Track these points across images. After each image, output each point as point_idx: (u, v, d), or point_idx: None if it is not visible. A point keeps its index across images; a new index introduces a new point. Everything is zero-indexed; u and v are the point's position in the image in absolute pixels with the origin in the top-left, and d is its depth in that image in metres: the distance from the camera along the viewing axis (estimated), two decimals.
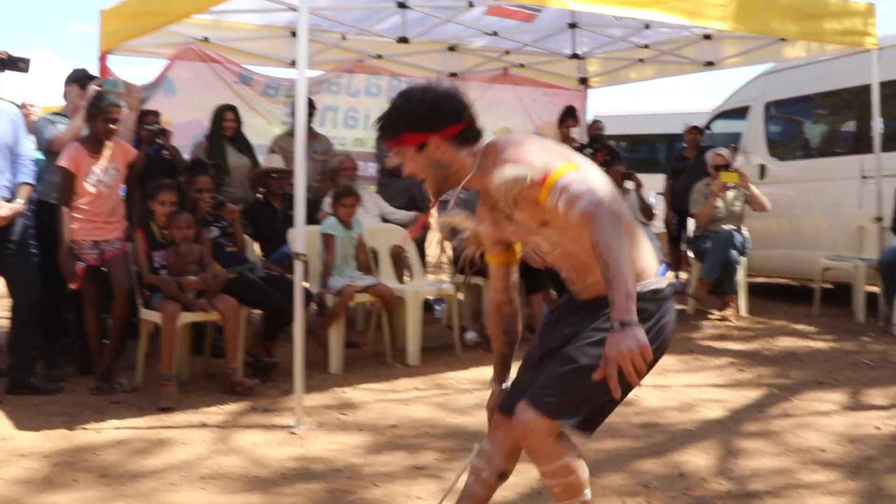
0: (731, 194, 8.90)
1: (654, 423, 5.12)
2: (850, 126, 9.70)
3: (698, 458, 4.46)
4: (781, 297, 10.11)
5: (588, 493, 2.96)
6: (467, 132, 2.88)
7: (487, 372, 6.39)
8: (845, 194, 9.15)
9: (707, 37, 9.38)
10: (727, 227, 8.82)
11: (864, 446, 4.62)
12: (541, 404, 2.79)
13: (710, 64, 9.97)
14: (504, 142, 2.88)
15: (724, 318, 8.58)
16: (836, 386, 5.91)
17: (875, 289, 8.27)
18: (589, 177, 2.73)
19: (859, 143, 8.98)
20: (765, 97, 10.53)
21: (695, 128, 10.87)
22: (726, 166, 8.89)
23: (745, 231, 8.92)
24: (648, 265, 2.88)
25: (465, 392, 5.94)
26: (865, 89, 8.25)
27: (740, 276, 8.80)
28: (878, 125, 8.36)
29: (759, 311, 8.96)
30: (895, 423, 5.00)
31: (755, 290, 9.52)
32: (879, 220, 8.25)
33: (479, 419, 5.23)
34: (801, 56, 9.35)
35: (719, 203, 8.86)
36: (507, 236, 3.05)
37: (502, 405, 3.19)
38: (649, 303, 2.79)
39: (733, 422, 5.14)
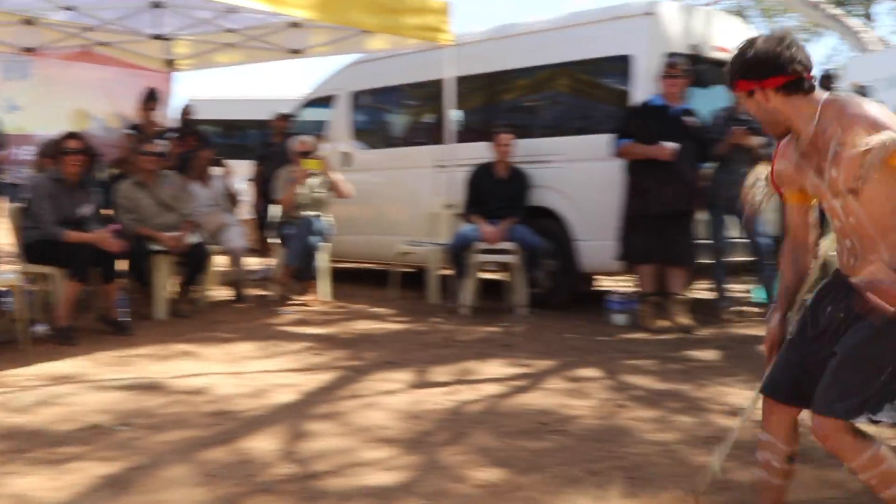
0: (314, 181, 9.02)
1: (224, 410, 5.06)
2: (428, 117, 10.17)
3: (266, 444, 4.45)
4: (369, 281, 10.42)
5: None
6: (793, 85, 2.98)
7: (56, 367, 6.13)
8: (423, 182, 9.60)
9: (294, 25, 9.46)
10: (309, 213, 8.93)
11: (423, 422, 4.84)
12: (830, 409, 2.91)
13: (297, 51, 10.08)
14: (847, 101, 2.94)
15: (305, 304, 8.72)
16: (405, 365, 6.15)
17: (448, 272, 8.74)
18: None
19: (436, 134, 9.43)
20: (351, 86, 10.79)
21: (282, 115, 10.95)
22: (308, 153, 8.98)
23: (327, 217, 9.08)
24: None
25: (28, 389, 5.54)
26: (445, 82, 8.72)
27: (321, 262, 8.95)
28: (453, 117, 8.85)
29: (343, 295, 9.16)
30: (454, 398, 5.29)
31: (342, 276, 9.75)
32: (451, 207, 8.77)
33: (42, 417, 4.92)
34: (384, 48, 9.69)
35: (302, 189, 8.95)
36: (804, 185, 3.11)
37: (772, 391, 3.22)
38: None
39: (304, 405, 5.20)
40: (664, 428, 4.77)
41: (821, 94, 3.00)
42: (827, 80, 8.19)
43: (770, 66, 3.00)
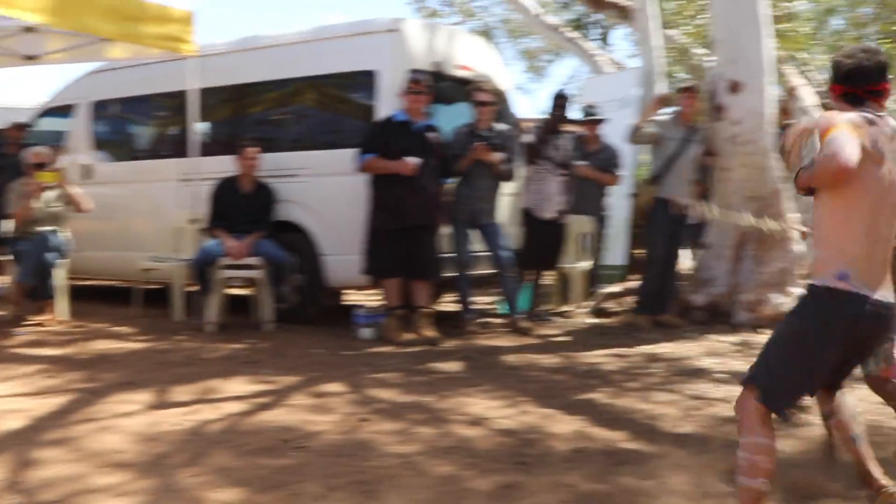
0: (51, 195, 8.60)
1: None
2: (173, 129, 9.92)
3: None
4: (111, 299, 10.04)
5: (765, 483, 3.30)
6: (845, 97, 3.40)
7: None
8: (167, 196, 9.36)
9: (29, 29, 9.02)
10: (45, 228, 8.51)
11: (161, 444, 4.72)
12: (745, 375, 3.43)
13: (32, 58, 9.61)
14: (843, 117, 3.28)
15: (40, 324, 8.31)
16: (144, 386, 5.96)
17: (193, 288, 8.56)
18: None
19: (181, 147, 9.21)
20: (92, 96, 10.41)
21: (17, 124, 10.45)
22: (44, 165, 8.58)
23: (65, 232, 8.69)
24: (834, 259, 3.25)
25: None
26: (189, 94, 8.55)
27: (58, 280, 8.55)
28: (197, 130, 8.68)
29: (82, 314, 8.76)
30: (194, 419, 5.18)
31: (82, 293, 9.35)
32: (195, 221, 8.61)
33: None
34: (125, 57, 9.37)
35: (37, 203, 8.52)
36: None
37: None
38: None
39: (33, 431, 4.95)
40: (406, 440, 4.85)
41: (856, 111, 3.32)
42: (560, 99, 8.59)
43: (832, 75, 3.49)
